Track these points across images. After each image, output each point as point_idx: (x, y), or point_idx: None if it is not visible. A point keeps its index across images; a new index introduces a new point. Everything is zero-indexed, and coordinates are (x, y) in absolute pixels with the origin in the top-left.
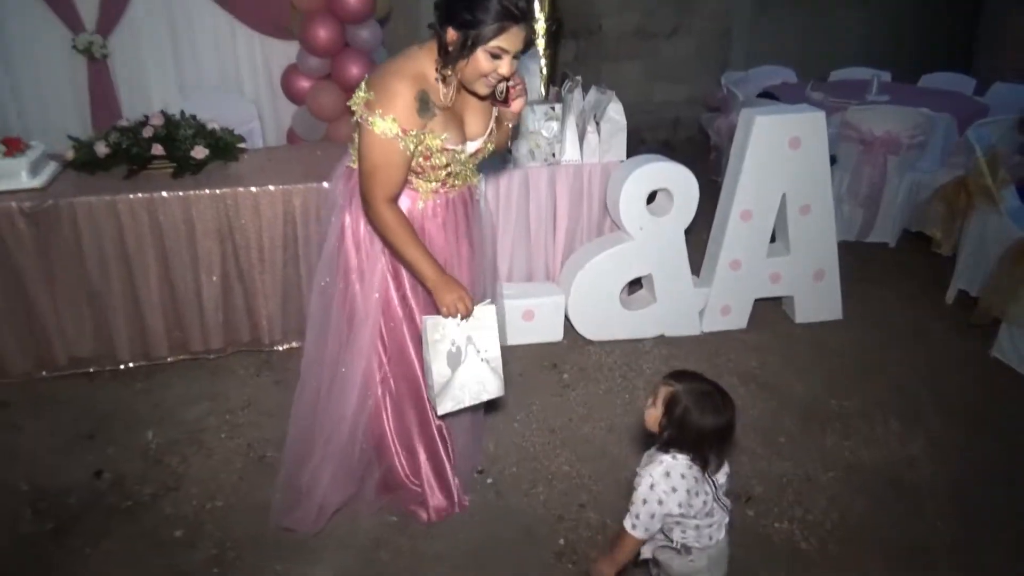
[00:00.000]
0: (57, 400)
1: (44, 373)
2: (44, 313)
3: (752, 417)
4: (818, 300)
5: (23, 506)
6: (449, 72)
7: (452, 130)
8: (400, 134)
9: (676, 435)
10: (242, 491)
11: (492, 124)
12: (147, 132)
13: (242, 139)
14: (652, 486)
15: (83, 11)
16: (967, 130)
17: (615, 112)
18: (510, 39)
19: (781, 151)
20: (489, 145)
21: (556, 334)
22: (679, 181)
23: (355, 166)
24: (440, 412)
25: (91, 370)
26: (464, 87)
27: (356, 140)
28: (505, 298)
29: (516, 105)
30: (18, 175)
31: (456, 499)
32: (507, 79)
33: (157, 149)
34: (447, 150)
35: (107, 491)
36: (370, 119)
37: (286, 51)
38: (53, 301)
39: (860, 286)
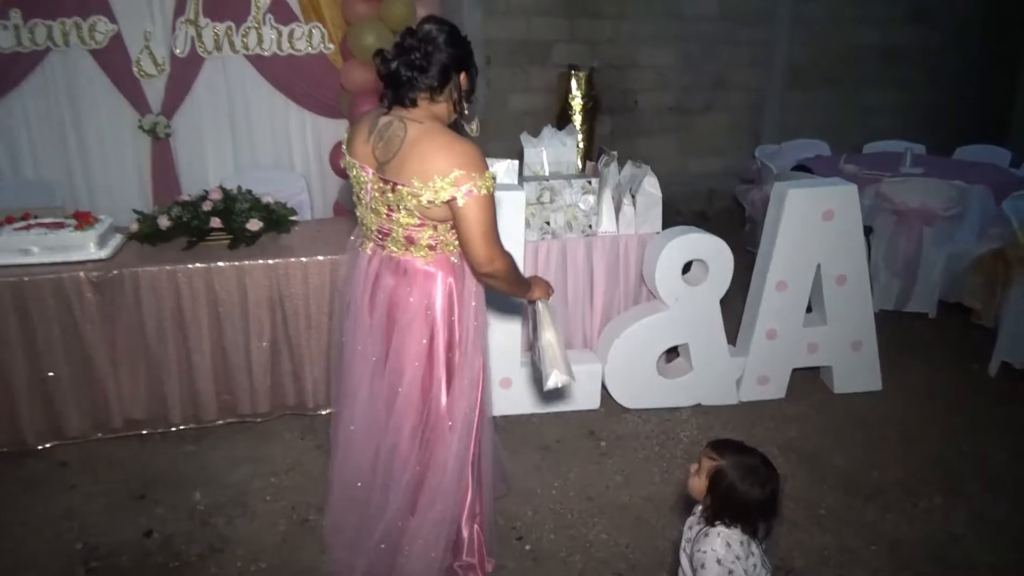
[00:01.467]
0: (111, 461)
1: (99, 434)
2: (104, 377)
3: (792, 488)
4: (856, 370)
5: (77, 565)
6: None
7: None
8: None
9: (722, 508)
10: (284, 553)
11: None
12: (207, 206)
13: (294, 212)
14: (719, 560)
15: (150, 94)
16: (1003, 202)
17: (651, 186)
18: None
19: (815, 223)
20: None
21: (593, 402)
22: (714, 252)
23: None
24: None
25: (144, 432)
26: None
27: (440, 228)
28: None
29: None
30: (87, 246)
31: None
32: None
33: (215, 222)
34: None
35: (156, 551)
36: (478, 184)
37: (335, 128)
38: (113, 365)
39: (900, 356)
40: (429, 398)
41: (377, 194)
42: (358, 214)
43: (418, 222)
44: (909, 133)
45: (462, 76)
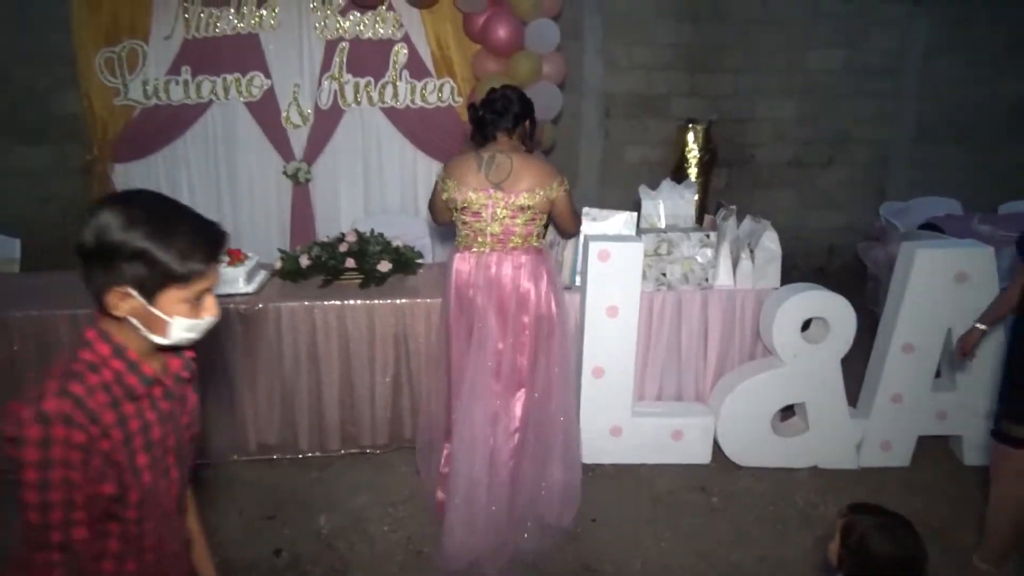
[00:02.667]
0: (245, 482)
1: (235, 457)
2: (243, 403)
3: None
4: (988, 442)
5: None
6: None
7: None
8: None
9: (855, 567)
10: None
11: None
12: (343, 247)
13: (420, 255)
14: None
15: (294, 142)
16: None
17: (770, 241)
18: None
19: (946, 285)
20: None
21: (704, 456)
22: (836, 310)
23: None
24: None
25: (274, 457)
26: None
27: (542, 218)
28: (655, 416)
29: None
30: (237, 281)
31: None
32: None
33: (349, 262)
34: None
35: (284, 569)
36: (566, 185)
37: None
38: (252, 393)
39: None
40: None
41: (501, 206)
42: (470, 229)
43: (530, 218)
44: None
45: (526, 122)
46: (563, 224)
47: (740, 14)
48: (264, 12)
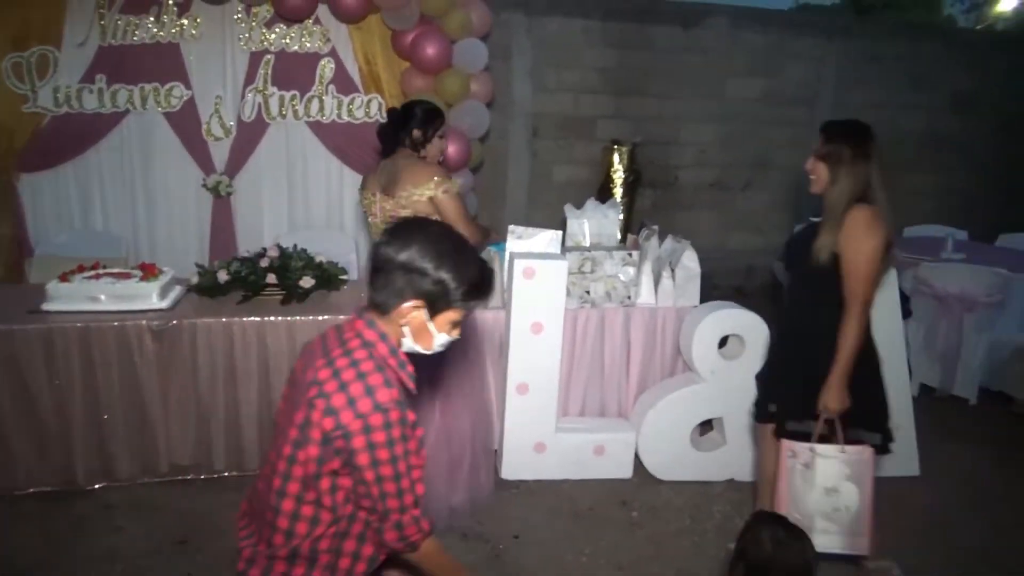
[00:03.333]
0: (156, 505)
1: (146, 478)
2: (155, 422)
3: (824, 568)
4: (894, 454)
5: None
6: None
7: None
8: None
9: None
10: None
11: None
12: (264, 262)
13: (345, 271)
14: None
15: (216, 155)
16: None
17: (690, 260)
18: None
19: None
20: None
21: (626, 471)
22: (750, 327)
23: None
24: None
25: (188, 477)
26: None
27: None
28: (578, 432)
29: None
30: (150, 297)
31: None
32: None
33: (270, 278)
34: None
35: None
36: (448, 187)
37: None
38: (165, 412)
39: (939, 442)
40: None
41: (388, 207)
42: (371, 231)
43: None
44: (951, 219)
45: (413, 132)
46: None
47: (664, 42)
48: (185, 22)
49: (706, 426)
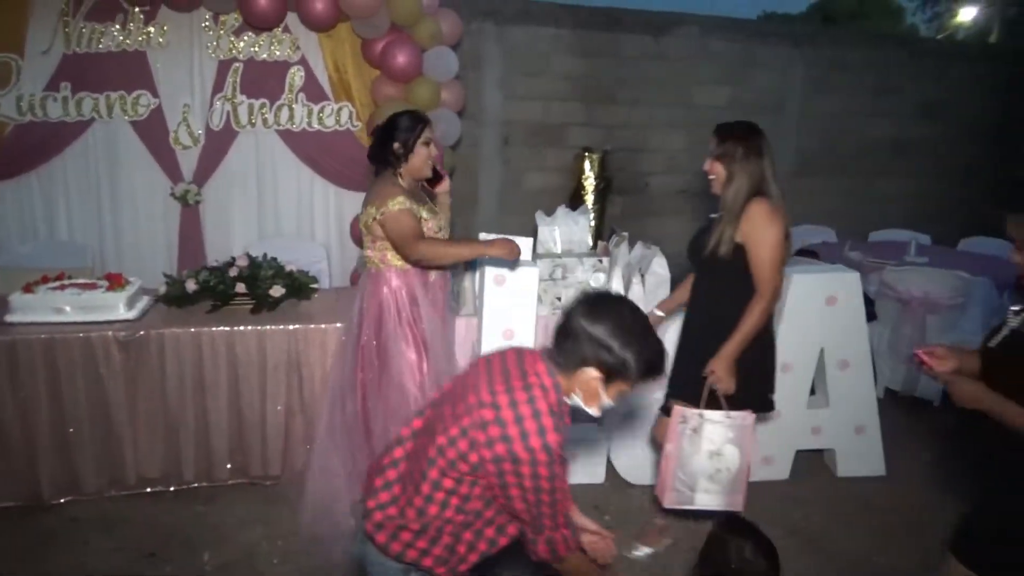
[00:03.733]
0: (123, 518)
1: (114, 491)
2: (122, 434)
3: (797, 572)
4: (860, 454)
5: None
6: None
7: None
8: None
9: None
10: None
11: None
12: (233, 271)
13: (315, 280)
14: None
15: (183, 164)
16: (1005, 294)
17: (659, 266)
18: (429, 132)
19: (818, 308)
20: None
21: (598, 475)
22: None
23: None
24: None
25: (157, 489)
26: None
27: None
28: None
29: (445, 183)
30: (116, 307)
31: None
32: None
33: (240, 287)
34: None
35: None
36: (388, 208)
37: (357, 201)
38: (132, 423)
39: (904, 443)
40: None
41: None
42: None
43: (371, 240)
44: (916, 224)
45: (394, 145)
46: (398, 252)
47: (634, 50)
48: (152, 29)
49: None
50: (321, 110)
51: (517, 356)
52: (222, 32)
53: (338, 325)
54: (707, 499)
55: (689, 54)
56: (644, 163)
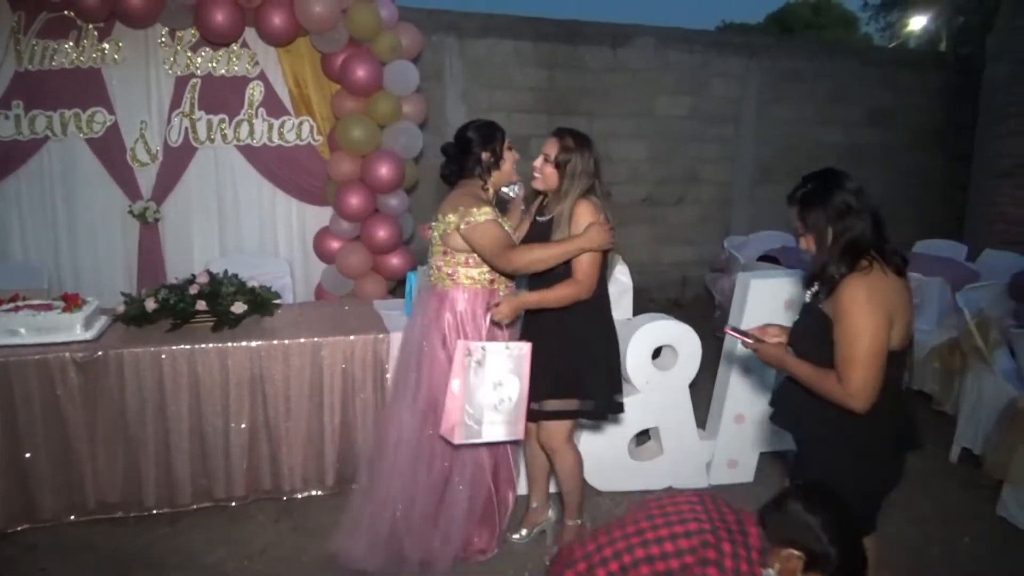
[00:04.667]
0: (83, 544)
1: (72, 517)
2: (81, 459)
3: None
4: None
5: None
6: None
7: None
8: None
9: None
10: None
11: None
12: (193, 289)
13: (278, 295)
14: None
15: (142, 181)
16: (957, 294)
17: (621, 274)
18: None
19: (777, 311)
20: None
21: None
22: (682, 337)
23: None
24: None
25: (118, 515)
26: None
27: (461, 256)
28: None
29: (521, 193)
30: (73, 328)
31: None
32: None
33: (201, 305)
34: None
35: None
36: (471, 219)
37: (320, 215)
38: (91, 447)
39: None
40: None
41: (434, 233)
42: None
43: (442, 251)
44: None
45: (483, 155)
46: (488, 263)
47: (594, 62)
48: (107, 46)
49: (643, 436)
50: (282, 125)
51: (733, 512)
52: (179, 48)
53: (301, 340)
54: (492, 430)
55: (648, 65)
56: (608, 173)
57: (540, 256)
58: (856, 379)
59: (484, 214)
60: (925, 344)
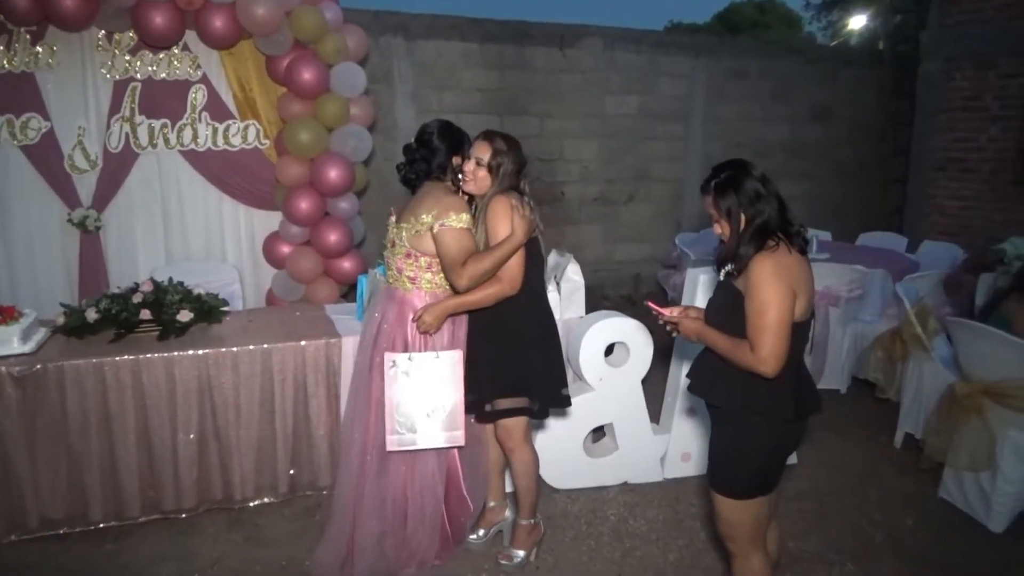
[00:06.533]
0: (24, 564)
1: (13, 537)
2: (21, 476)
3: (713, 560)
4: None
5: None
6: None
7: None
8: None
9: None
10: None
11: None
12: (137, 298)
13: (225, 302)
14: None
15: (81, 189)
16: (897, 285)
17: (574, 273)
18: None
19: None
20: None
21: None
22: (634, 334)
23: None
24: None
25: (62, 531)
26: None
27: (423, 260)
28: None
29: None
30: (10, 341)
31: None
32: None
33: (145, 314)
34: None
35: None
36: (446, 221)
37: (268, 220)
38: (32, 463)
39: (813, 431)
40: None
41: (396, 234)
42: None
43: (405, 254)
44: (817, 222)
45: (454, 158)
46: (444, 271)
47: (542, 63)
48: (40, 50)
49: (598, 432)
50: (226, 129)
51: None
52: (117, 51)
53: (251, 347)
54: (428, 438)
55: (596, 65)
56: (559, 173)
57: (484, 267)
58: (766, 347)
59: (462, 221)
60: (868, 334)
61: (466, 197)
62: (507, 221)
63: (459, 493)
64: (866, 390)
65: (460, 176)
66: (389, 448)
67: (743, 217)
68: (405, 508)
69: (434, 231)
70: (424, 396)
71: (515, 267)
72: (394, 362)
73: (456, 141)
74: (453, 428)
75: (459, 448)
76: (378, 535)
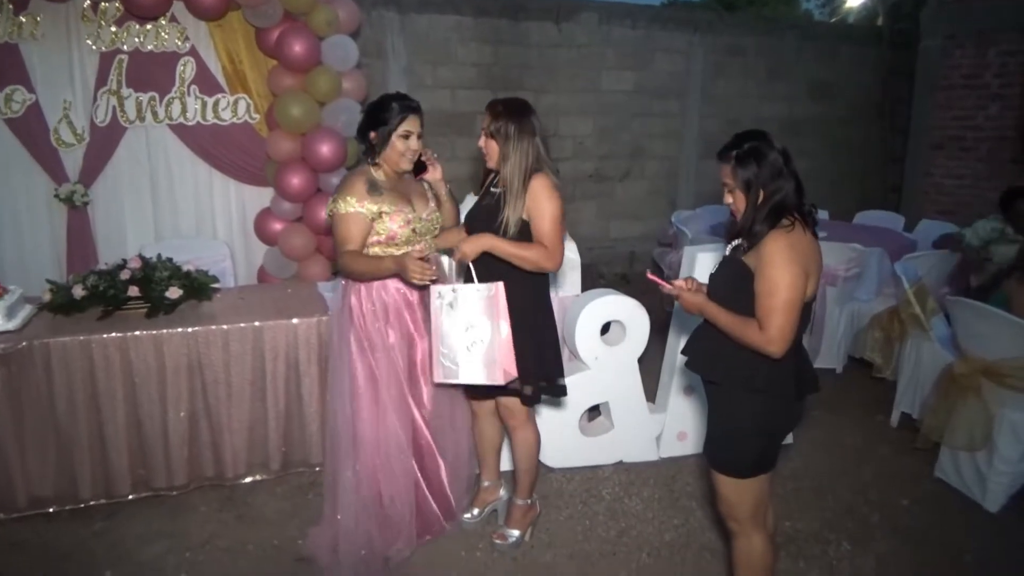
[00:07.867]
0: (13, 543)
1: (1, 516)
2: (8, 454)
3: (709, 539)
4: None
5: None
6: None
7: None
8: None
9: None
10: None
11: (433, 203)
12: (125, 274)
13: (215, 279)
14: None
15: (68, 163)
16: (895, 264)
17: (570, 251)
18: (412, 123)
19: None
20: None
21: None
22: (630, 313)
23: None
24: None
25: (51, 510)
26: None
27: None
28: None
29: (434, 173)
30: None
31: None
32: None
33: (133, 290)
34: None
35: None
36: (337, 206)
37: (260, 196)
38: (19, 442)
39: (810, 411)
40: None
41: None
42: None
43: None
44: (814, 200)
45: (371, 135)
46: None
47: (538, 37)
48: (24, 20)
49: (593, 412)
50: (216, 103)
51: None
52: (103, 22)
53: (241, 325)
54: (470, 373)
55: (592, 41)
56: (554, 150)
57: (362, 268)
58: (776, 326)
59: (349, 205)
60: (866, 313)
61: (381, 176)
62: (554, 200)
63: (439, 471)
64: (862, 369)
65: (374, 154)
66: (436, 380)
67: (761, 192)
68: (378, 486)
69: (327, 216)
70: (464, 329)
71: (559, 240)
72: (440, 294)
73: (372, 117)
74: (491, 364)
75: (431, 423)
76: (355, 513)
